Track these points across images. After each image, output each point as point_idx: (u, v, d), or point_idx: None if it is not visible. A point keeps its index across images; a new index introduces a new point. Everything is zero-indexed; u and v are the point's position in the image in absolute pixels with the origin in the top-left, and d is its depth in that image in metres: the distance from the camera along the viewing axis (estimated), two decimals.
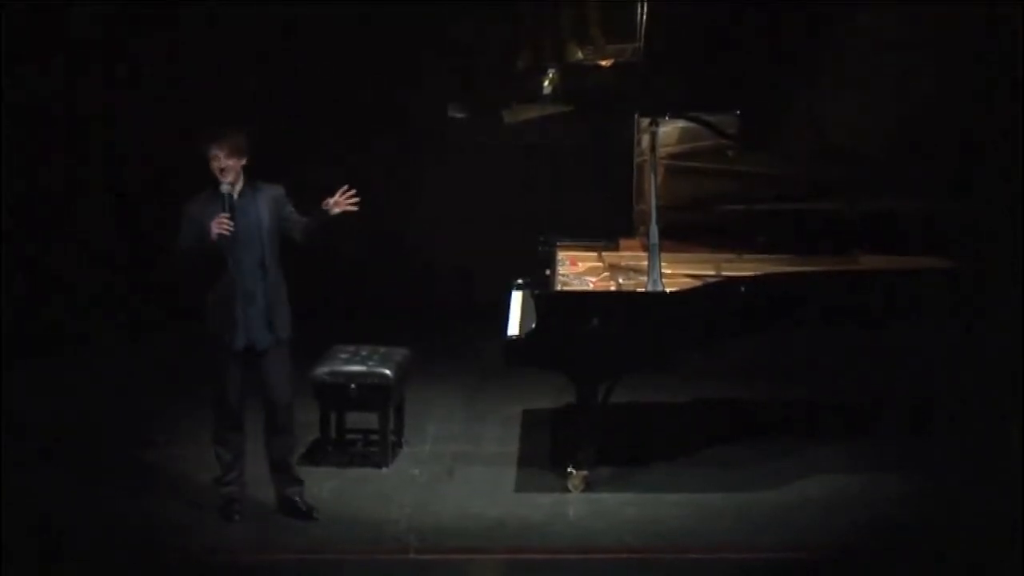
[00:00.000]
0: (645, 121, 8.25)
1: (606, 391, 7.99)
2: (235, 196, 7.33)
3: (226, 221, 7.24)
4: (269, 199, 7.44)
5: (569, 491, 7.88)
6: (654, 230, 7.78)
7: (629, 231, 8.77)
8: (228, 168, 7.31)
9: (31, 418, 8.84)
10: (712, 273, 8.24)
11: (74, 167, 10.75)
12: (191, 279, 7.49)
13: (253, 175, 7.45)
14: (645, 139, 8.25)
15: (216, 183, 7.33)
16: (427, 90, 11.37)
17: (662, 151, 8.32)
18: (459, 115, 11.66)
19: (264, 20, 10.98)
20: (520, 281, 8.54)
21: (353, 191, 7.38)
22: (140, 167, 11.00)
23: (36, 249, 10.42)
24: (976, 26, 10.27)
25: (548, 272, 8.41)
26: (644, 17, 11.30)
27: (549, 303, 7.85)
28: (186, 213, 7.39)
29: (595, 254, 8.75)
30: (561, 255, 8.70)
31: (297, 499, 7.62)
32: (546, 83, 11.65)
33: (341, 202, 7.39)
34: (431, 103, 11.50)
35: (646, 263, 7.85)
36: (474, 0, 11.26)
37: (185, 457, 8.36)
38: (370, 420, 8.32)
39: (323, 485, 7.94)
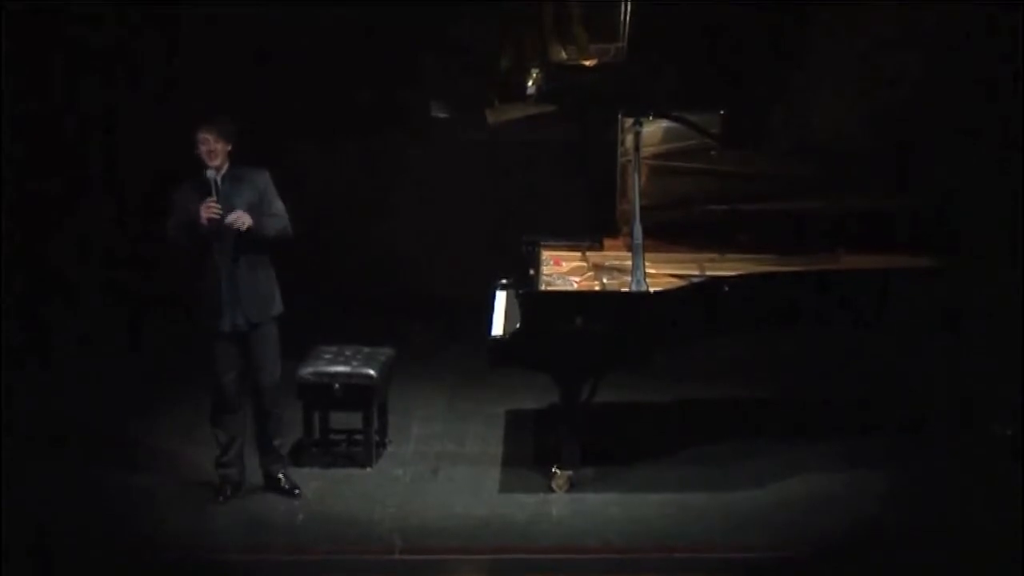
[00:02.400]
0: (628, 121, 8.25)
1: (590, 391, 8.00)
2: (219, 181, 7.48)
3: (214, 205, 7.42)
4: (252, 184, 7.58)
5: (553, 491, 7.89)
6: (638, 230, 7.79)
7: (613, 231, 8.77)
8: (216, 151, 7.48)
9: (28, 418, 8.84)
10: (696, 273, 8.26)
11: (75, 166, 10.72)
12: (181, 266, 7.58)
13: (239, 161, 7.59)
14: (629, 139, 8.25)
15: (201, 170, 7.49)
16: (411, 88, 11.37)
17: (646, 151, 8.32)
18: (442, 114, 11.66)
19: (253, 20, 10.98)
20: (504, 281, 8.54)
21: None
22: (141, 167, 10.99)
23: (36, 249, 10.39)
24: (963, 22, 10.27)
25: (532, 272, 8.41)
26: (627, 17, 11.31)
27: (533, 303, 7.86)
28: (174, 200, 7.55)
29: (579, 254, 8.76)
30: (545, 255, 8.70)
31: (281, 476, 7.79)
32: (529, 83, 11.65)
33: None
34: (415, 101, 11.49)
35: (630, 263, 7.86)
36: (459, 0, 11.25)
37: (176, 455, 8.39)
38: (354, 420, 8.32)
39: (307, 485, 7.94)
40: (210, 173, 7.47)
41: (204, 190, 7.48)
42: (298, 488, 7.80)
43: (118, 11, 10.70)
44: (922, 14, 10.50)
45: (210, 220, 7.41)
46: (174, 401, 9.21)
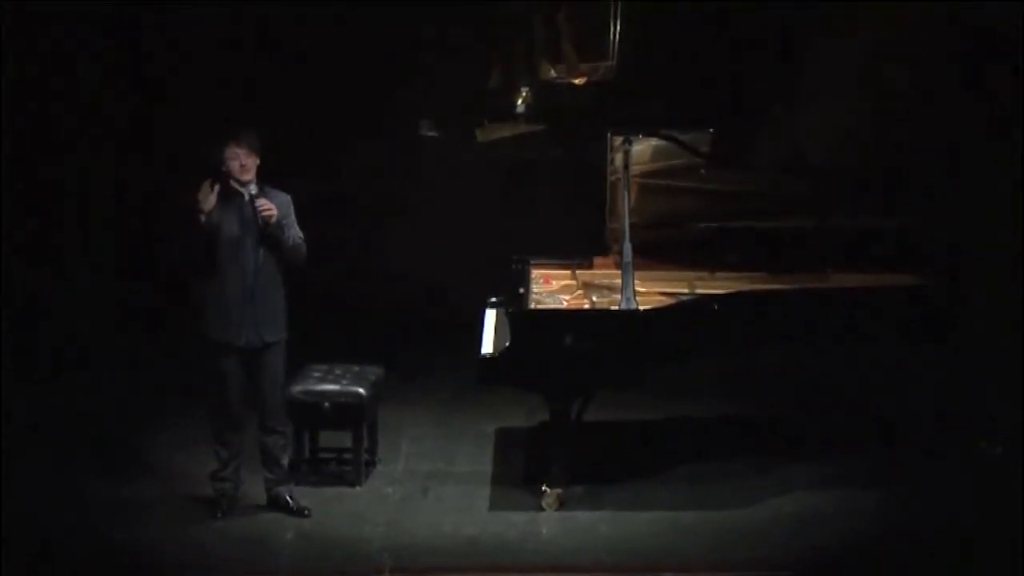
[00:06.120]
0: (618, 139, 8.26)
1: (580, 409, 8.00)
2: (252, 194, 7.52)
3: (267, 203, 7.48)
4: (277, 203, 7.59)
5: (543, 509, 7.88)
6: (627, 248, 7.81)
7: (602, 249, 8.78)
8: (247, 166, 7.51)
9: (25, 430, 8.84)
10: (685, 291, 8.27)
11: (83, 168, 10.72)
12: (192, 277, 7.65)
13: (262, 178, 7.62)
14: (618, 157, 8.26)
15: (226, 185, 7.49)
16: (402, 106, 11.37)
17: (635, 169, 8.34)
18: (431, 133, 11.65)
19: (245, 30, 11.01)
20: (494, 299, 8.55)
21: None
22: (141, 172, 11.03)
23: (37, 256, 10.38)
24: (956, 40, 10.30)
25: (522, 290, 8.41)
26: (617, 35, 11.32)
27: (523, 321, 7.86)
28: (197, 210, 7.50)
29: (568, 272, 8.77)
30: (535, 273, 8.72)
31: (288, 497, 7.80)
32: (519, 101, 11.65)
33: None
34: (406, 120, 11.50)
35: (619, 281, 7.86)
36: (447, 18, 11.27)
37: (171, 469, 8.42)
38: (343, 439, 8.31)
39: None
40: (251, 188, 7.50)
41: (230, 205, 7.51)
42: (308, 509, 7.80)
43: (117, 11, 10.73)
44: (915, 26, 10.53)
45: (267, 222, 7.45)
46: (172, 414, 9.25)
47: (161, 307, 10.66)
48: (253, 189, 7.52)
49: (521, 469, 8.51)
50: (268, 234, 7.53)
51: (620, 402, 8.90)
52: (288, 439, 7.96)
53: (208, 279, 7.60)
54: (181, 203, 7.61)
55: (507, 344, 7.79)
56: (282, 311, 7.72)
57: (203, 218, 7.43)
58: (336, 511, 7.92)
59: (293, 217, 7.69)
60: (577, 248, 8.93)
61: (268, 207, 7.49)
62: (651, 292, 8.16)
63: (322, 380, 8.24)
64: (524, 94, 11.68)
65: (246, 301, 7.56)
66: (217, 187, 7.45)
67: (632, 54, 11.28)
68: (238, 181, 7.51)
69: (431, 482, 8.36)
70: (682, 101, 10.83)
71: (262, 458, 7.83)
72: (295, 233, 7.67)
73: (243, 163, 7.49)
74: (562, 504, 7.89)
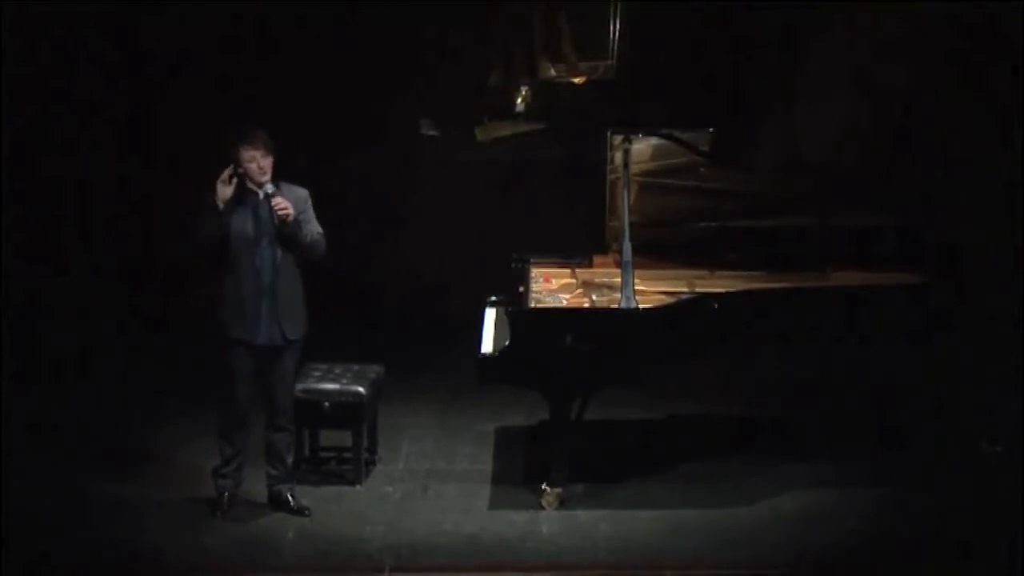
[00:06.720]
0: (618, 138, 8.26)
1: (580, 408, 8.00)
2: (270, 193, 7.52)
3: (284, 202, 7.47)
4: (295, 199, 7.59)
5: (543, 508, 7.88)
6: (627, 247, 7.81)
7: (602, 248, 8.78)
8: (265, 167, 7.51)
9: (23, 430, 8.84)
10: (685, 290, 8.27)
11: (83, 168, 10.71)
12: (203, 274, 7.67)
13: (276, 175, 7.63)
14: (618, 156, 8.26)
15: (242, 186, 7.49)
16: (402, 106, 11.38)
17: (635, 168, 8.34)
18: (431, 132, 11.66)
19: (245, 30, 11.01)
20: (493, 298, 8.55)
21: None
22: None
23: (36, 256, 10.37)
24: (953, 42, 10.30)
25: (522, 289, 8.41)
26: (617, 34, 11.33)
27: (523, 320, 7.86)
28: (211, 208, 7.49)
29: (568, 271, 8.77)
30: (535, 272, 8.71)
31: (290, 496, 7.80)
32: (519, 100, 11.66)
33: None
34: (406, 119, 11.51)
35: (619, 280, 7.86)
36: (447, 17, 11.27)
37: (172, 468, 8.41)
38: (344, 438, 8.31)
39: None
40: (269, 188, 7.50)
41: (245, 203, 7.51)
42: (308, 508, 7.81)
43: (117, 11, 10.72)
44: (914, 25, 10.52)
45: (283, 220, 7.45)
46: (172, 413, 9.24)
47: (161, 307, 10.66)
48: (269, 188, 7.52)
49: (521, 468, 8.51)
50: (284, 232, 7.53)
51: (620, 402, 8.91)
52: (293, 437, 7.98)
53: (222, 275, 7.58)
54: (194, 198, 7.60)
55: (507, 343, 7.79)
56: (302, 308, 7.72)
57: (221, 206, 7.42)
58: (336, 510, 7.92)
59: (311, 212, 7.70)
60: (577, 247, 8.93)
61: (284, 205, 7.48)
62: (651, 291, 8.15)
63: (322, 379, 8.24)
64: (524, 94, 11.70)
65: (264, 299, 7.56)
66: (235, 179, 7.44)
67: (632, 54, 11.30)
68: (255, 183, 7.52)
69: (431, 481, 8.36)
70: (682, 100, 10.84)
71: (267, 455, 7.83)
72: (313, 229, 7.67)
73: (260, 164, 7.49)
74: (562, 503, 7.89)
